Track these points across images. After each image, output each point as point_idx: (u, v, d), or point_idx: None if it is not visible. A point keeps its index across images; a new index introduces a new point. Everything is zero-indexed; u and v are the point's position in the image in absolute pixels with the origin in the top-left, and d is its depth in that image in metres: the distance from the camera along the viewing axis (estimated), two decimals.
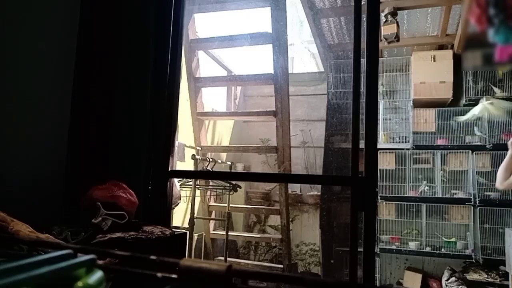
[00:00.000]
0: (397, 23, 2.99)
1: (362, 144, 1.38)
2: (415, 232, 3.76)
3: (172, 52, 1.66)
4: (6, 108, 1.32)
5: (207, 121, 3.84)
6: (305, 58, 5.73)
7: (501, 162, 2.45)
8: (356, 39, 1.43)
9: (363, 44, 1.42)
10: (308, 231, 4.79)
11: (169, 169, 1.61)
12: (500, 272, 3.34)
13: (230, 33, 3.24)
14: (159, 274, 0.30)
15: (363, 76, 1.42)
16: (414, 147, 3.84)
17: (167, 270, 0.30)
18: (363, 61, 1.42)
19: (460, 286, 3.41)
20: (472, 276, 3.43)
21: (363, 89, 1.41)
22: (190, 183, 3.07)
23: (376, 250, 3.75)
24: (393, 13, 2.99)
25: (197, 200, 3.31)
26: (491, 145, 3.57)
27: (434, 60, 3.85)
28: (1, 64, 1.30)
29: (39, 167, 1.44)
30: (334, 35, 4.08)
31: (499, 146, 3.42)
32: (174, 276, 0.30)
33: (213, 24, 3.99)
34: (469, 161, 3.66)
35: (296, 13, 4.57)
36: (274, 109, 3.12)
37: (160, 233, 1.22)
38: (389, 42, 3.07)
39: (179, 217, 3.59)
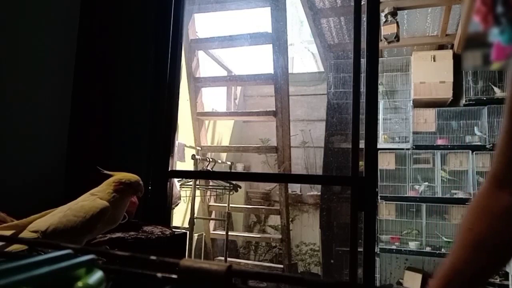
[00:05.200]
0: (397, 23, 3.00)
1: (362, 144, 1.38)
2: (415, 232, 3.76)
3: (172, 52, 1.66)
4: (6, 107, 1.32)
5: (207, 121, 3.84)
6: (305, 58, 5.73)
7: None
8: (356, 39, 1.43)
9: (363, 44, 1.42)
10: (308, 231, 4.79)
11: (169, 169, 1.61)
12: (500, 272, 3.34)
13: (230, 33, 3.24)
14: (159, 274, 0.30)
15: (363, 76, 1.42)
16: (414, 147, 3.84)
17: (167, 270, 0.30)
18: (363, 61, 1.42)
19: None
20: None
21: (363, 89, 1.41)
22: (190, 183, 3.07)
23: (376, 250, 3.75)
24: (393, 13, 3.00)
25: (197, 200, 3.31)
26: (491, 145, 3.57)
27: (434, 60, 3.85)
28: (2, 63, 1.30)
29: (39, 167, 1.44)
30: (334, 35, 4.08)
31: None
32: (174, 276, 0.30)
33: (213, 24, 3.99)
34: (469, 161, 3.66)
35: (296, 13, 4.57)
36: (274, 109, 3.12)
37: (160, 233, 1.22)
38: (389, 42, 3.07)
39: (179, 217, 3.59)
